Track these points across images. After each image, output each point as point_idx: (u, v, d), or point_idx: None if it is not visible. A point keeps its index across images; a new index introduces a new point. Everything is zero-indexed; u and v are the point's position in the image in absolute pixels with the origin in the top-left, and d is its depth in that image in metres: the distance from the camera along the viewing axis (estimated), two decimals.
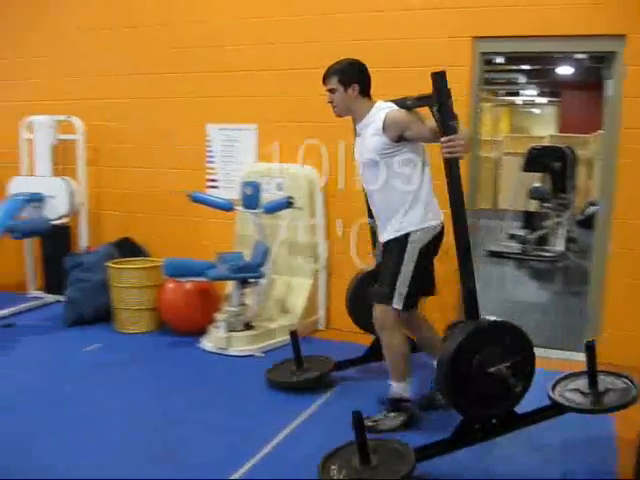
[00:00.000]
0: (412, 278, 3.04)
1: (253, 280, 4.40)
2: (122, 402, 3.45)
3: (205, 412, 3.35)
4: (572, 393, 2.92)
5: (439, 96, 2.66)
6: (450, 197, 2.72)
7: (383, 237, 3.20)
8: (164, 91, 5.45)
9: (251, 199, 4.46)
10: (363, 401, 3.27)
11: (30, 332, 4.85)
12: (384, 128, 3.03)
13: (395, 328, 3.12)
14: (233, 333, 4.37)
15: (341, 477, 2.52)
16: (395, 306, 3.06)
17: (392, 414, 3.16)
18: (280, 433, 3.08)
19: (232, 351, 4.28)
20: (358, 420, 2.55)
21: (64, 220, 5.48)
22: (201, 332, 4.55)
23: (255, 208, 4.47)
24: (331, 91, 3.19)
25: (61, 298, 5.44)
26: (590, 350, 2.94)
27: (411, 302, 3.13)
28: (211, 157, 5.36)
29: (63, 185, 5.41)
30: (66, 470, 2.66)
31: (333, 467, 2.58)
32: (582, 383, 2.96)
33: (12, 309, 5.30)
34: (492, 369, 2.69)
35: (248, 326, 4.51)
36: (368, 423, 2.87)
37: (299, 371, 3.75)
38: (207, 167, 5.38)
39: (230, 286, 4.65)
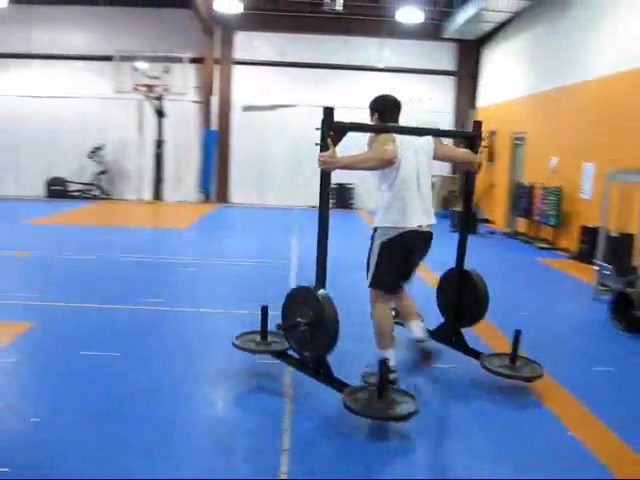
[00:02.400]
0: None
1: None
2: None
3: None
4: None
5: (321, 124, 3.87)
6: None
7: None
8: None
9: None
10: None
11: None
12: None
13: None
14: None
15: (238, 342, 4.54)
16: None
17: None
18: None
19: None
20: (263, 313, 4.49)
21: None
22: None
23: None
24: None
25: None
26: None
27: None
28: None
29: None
30: None
31: (245, 337, 4.60)
32: None
33: None
34: (296, 319, 3.99)
35: None
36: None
37: None
38: None
39: None
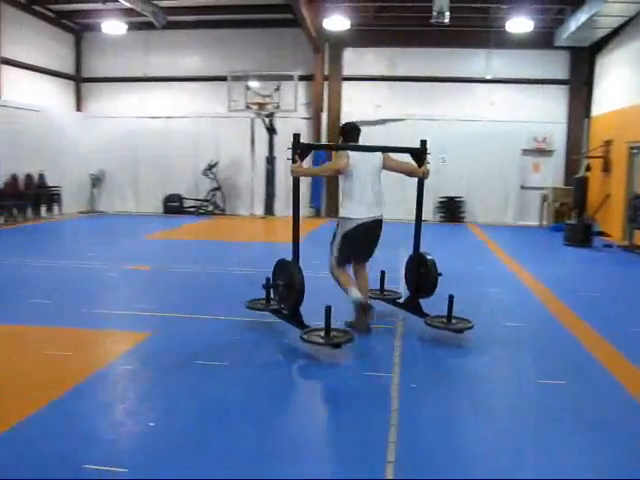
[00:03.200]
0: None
1: None
2: None
3: None
4: None
5: (292, 145, 5.44)
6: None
7: None
8: None
9: None
10: None
11: None
12: None
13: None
14: None
15: (249, 305, 6.26)
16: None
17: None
18: None
19: None
20: (268, 285, 5.96)
21: None
22: None
23: None
24: None
25: None
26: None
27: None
28: None
29: None
30: None
31: (253, 302, 6.31)
32: None
33: None
34: (278, 281, 5.64)
35: None
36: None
37: None
38: None
39: None
